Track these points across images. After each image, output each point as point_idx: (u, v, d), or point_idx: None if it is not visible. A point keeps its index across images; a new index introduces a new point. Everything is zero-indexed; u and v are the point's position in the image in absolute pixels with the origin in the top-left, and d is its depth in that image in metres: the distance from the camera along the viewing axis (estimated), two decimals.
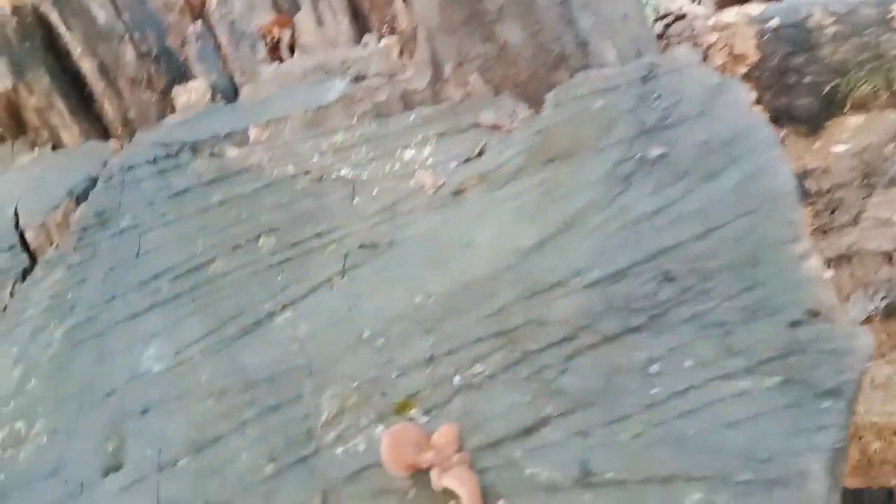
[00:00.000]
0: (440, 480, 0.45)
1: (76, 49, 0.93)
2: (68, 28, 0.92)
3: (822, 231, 1.02)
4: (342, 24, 0.92)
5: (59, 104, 0.95)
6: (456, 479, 0.44)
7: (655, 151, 0.57)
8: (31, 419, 0.60)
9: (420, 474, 0.47)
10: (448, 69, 0.71)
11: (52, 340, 0.65)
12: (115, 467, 0.56)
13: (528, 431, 0.48)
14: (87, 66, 0.95)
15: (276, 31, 0.98)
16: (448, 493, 0.46)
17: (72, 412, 0.59)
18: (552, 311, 0.51)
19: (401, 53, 0.77)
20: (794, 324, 0.46)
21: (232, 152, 0.73)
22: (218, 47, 0.99)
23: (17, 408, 0.61)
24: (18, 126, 0.96)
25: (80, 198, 0.77)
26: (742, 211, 0.52)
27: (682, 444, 0.44)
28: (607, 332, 0.49)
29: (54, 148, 0.98)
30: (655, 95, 0.62)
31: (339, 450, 0.50)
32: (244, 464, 0.52)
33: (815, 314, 0.47)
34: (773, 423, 0.43)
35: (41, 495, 0.56)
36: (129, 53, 0.93)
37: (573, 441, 0.46)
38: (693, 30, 1.14)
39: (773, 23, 1.11)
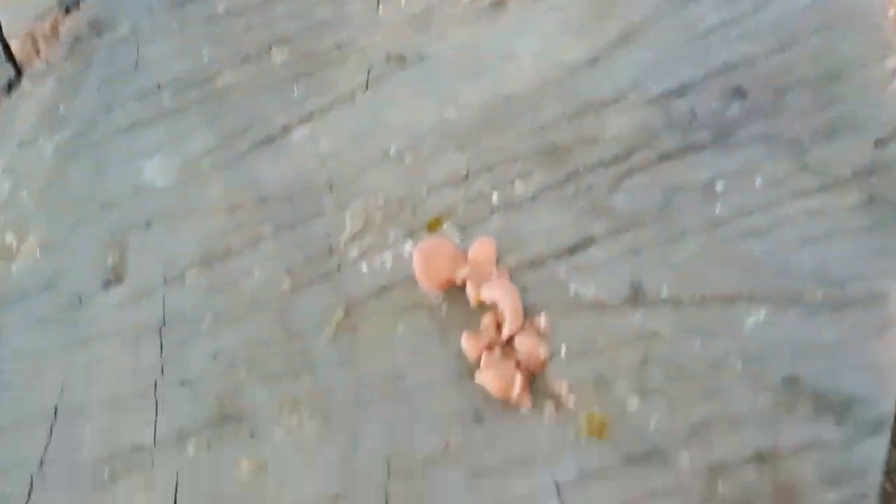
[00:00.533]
0: (478, 293, 0.41)
1: None
2: None
3: None
4: None
5: None
6: (496, 290, 0.40)
7: None
8: (23, 232, 0.55)
9: (453, 290, 0.43)
10: None
11: (43, 153, 0.60)
12: (116, 280, 0.51)
13: (574, 250, 0.43)
14: None
15: None
16: (484, 308, 0.42)
17: (67, 225, 0.55)
18: (604, 128, 0.46)
19: None
20: (879, 142, 0.42)
21: None
22: None
23: (6, 220, 0.56)
24: None
25: (71, 6, 0.69)
26: (823, 25, 0.46)
27: (746, 263, 0.40)
28: (667, 151, 0.44)
29: None
30: None
31: (364, 266, 0.46)
32: (258, 279, 0.48)
33: None
34: (849, 244, 0.39)
35: (36, 308, 0.52)
36: None
37: (623, 260, 0.42)
38: None
39: None
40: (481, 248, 0.43)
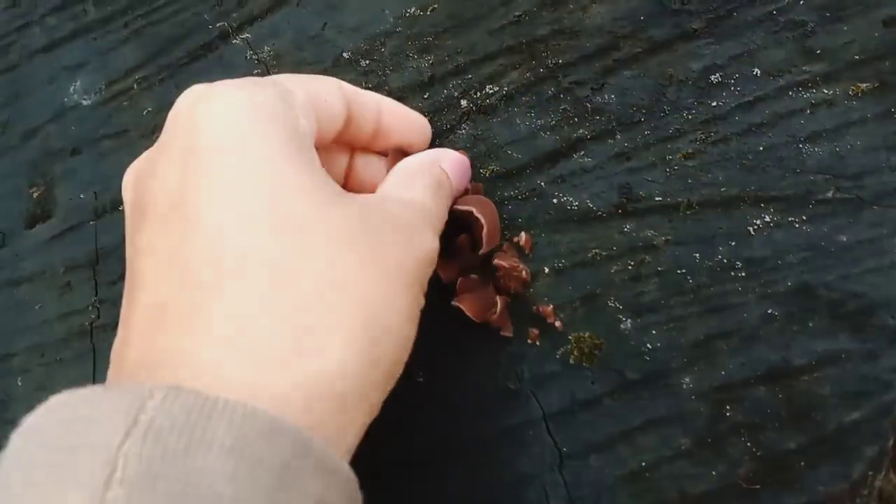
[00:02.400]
0: (452, 209, 0.36)
1: None
2: None
3: None
4: None
5: None
6: (469, 206, 0.36)
7: None
8: None
9: None
10: None
11: None
12: (42, 216, 0.46)
13: (556, 156, 0.39)
14: None
15: None
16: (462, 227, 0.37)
17: None
18: (585, 18, 0.41)
19: None
20: (890, 21, 0.37)
21: None
22: None
23: None
24: None
25: None
26: None
27: (748, 162, 0.36)
28: (656, 40, 0.39)
29: None
30: None
31: None
32: None
33: None
34: (862, 134, 0.35)
35: None
36: None
37: (611, 164, 0.38)
38: None
39: None
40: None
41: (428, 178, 0.33)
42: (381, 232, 0.27)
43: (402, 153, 0.37)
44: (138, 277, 0.27)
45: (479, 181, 0.39)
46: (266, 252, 0.25)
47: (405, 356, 0.27)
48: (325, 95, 0.32)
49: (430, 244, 0.30)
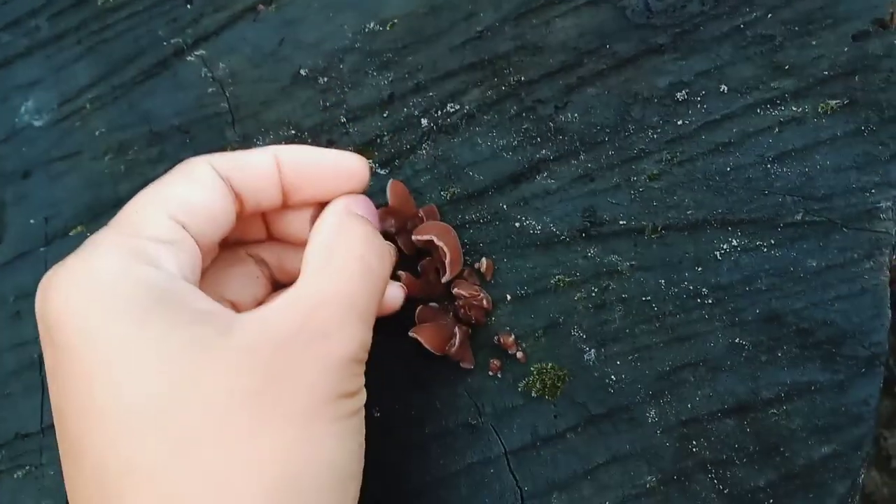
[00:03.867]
0: (412, 240, 0.35)
1: None
2: None
3: None
4: None
5: None
6: (430, 232, 0.34)
7: None
8: None
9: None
10: None
11: None
12: None
13: (518, 178, 0.37)
14: None
15: None
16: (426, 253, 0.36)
17: None
18: (550, 34, 0.39)
19: None
20: (860, 36, 0.36)
21: None
22: None
23: None
24: None
25: None
26: None
27: (714, 183, 0.35)
28: (621, 56, 0.38)
29: None
30: None
31: None
32: None
33: (885, 25, 0.36)
34: (832, 155, 0.34)
35: None
36: None
37: (575, 187, 0.36)
38: None
39: None
40: (394, 192, 0.36)
41: (345, 252, 0.27)
42: (278, 369, 0.24)
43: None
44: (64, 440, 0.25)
45: (440, 203, 0.37)
46: (148, 466, 0.22)
47: (352, 485, 0.25)
48: (192, 199, 0.27)
49: (355, 341, 0.25)
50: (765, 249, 0.33)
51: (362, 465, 0.25)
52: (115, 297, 0.24)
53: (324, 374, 0.24)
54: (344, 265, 0.26)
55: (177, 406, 0.22)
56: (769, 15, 0.37)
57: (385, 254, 0.28)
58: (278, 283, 0.33)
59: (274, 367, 0.23)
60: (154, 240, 0.25)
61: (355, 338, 0.25)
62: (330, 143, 0.41)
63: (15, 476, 0.38)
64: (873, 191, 0.33)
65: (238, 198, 0.29)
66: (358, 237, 0.27)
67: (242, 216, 0.29)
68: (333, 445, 0.24)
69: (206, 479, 0.22)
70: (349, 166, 0.30)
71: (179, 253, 0.26)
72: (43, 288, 0.25)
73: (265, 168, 0.29)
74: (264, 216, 0.32)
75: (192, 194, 0.27)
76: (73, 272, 0.25)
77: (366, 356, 0.26)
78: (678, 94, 0.37)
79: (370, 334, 0.26)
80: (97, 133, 0.45)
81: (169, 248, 0.26)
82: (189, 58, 0.45)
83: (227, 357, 0.23)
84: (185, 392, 0.23)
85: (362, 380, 0.26)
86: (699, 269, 0.33)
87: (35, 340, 0.41)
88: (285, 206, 0.30)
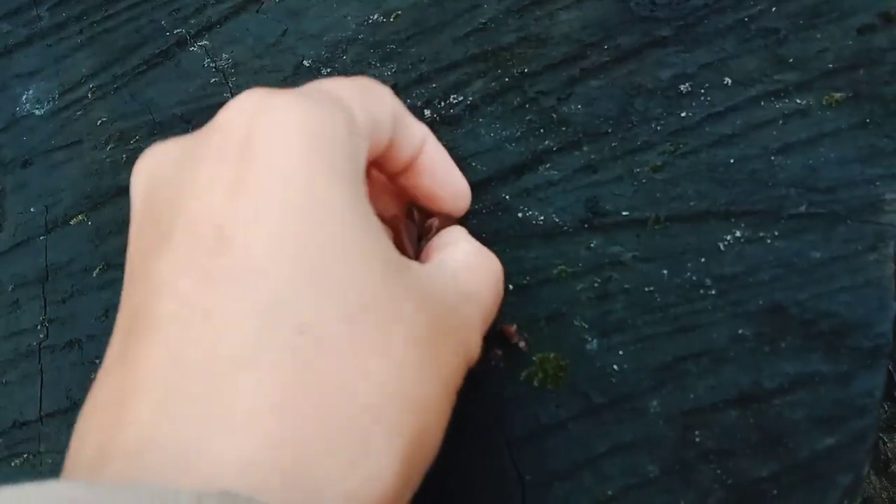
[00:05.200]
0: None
1: None
2: None
3: None
4: None
5: None
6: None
7: None
8: None
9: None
10: None
11: None
12: None
13: (521, 169, 0.37)
14: None
15: None
16: None
17: None
18: (553, 25, 0.39)
19: None
20: (864, 29, 0.36)
21: None
22: None
23: None
24: None
25: None
26: None
27: (717, 175, 0.34)
28: (624, 48, 0.38)
29: None
30: None
31: None
32: None
33: (890, 19, 0.36)
34: (836, 147, 0.34)
35: None
36: None
37: (578, 177, 0.36)
38: None
39: None
40: None
41: (497, 274, 0.30)
42: (443, 327, 0.24)
43: (417, 212, 0.33)
44: (151, 322, 0.21)
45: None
46: (324, 340, 0.20)
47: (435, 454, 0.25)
48: (378, 112, 0.27)
49: (477, 349, 0.26)
50: (768, 241, 0.33)
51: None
52: (343, 171, 0.23)
53: (462, 360, 0.25)
54: (494, 281, 0.30)
55: (380, 305, 0.22)
56: (773, 8, 0.37)
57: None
58: None
59: (440, 328, 0.24)
60: (361, 138, 0.25)
61: (479, 346, 0.28)
62: None
63: (13, 464, 0.37)
64: (878, 183, 0.33)
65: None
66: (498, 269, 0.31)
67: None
68: (445, 424, 0.25)
69: (382, 382, 0.21)
70: (463, 188, 0.34)
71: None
72: (258, 105, 0.23)
73: (416, 138, 0.30)
74: None
75: (380, 112, 0.27)
76: (302, 118, 0.23)
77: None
78: (682, 87, 0.37)
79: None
80: (98, 122, 0.45)
81: (364, 152, 0.25)
82: (192, 48, 0.45)
83: (410, 287, 0.23)
84: (386, 301, 0.22)
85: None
86: (702, 259, 0.33)
87: (33, 329, 0.41)
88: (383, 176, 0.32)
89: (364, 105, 0.26)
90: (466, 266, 0.28)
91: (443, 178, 0.32)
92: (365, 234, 0.23)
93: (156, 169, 0.24)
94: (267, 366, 0.20)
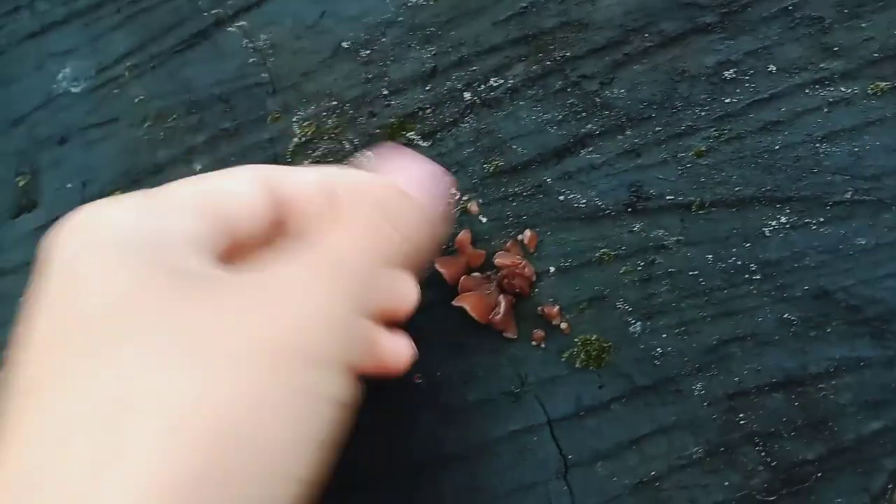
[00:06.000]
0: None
1: None
2: None
3: None
4: None
5: None
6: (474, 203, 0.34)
7: None
8: None
9: None
10: None
11: None
12: (28, 206, 0.44)
13: (562, 152, 0.37)
14: None
15: None
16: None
17: None
18: (595, 10, 0.39)
19: None
20: None
21: None
22: None
23: None
24: None
25: None
26: None
27: (762, 161, 0.34)
28: (668, 34, 0.38)
29: None
30: None
31: None
32: None
33: None
34: (881, 135, 0.34)
35: None
36: None
37: (621, 161, 0.36)
38: None
39: None
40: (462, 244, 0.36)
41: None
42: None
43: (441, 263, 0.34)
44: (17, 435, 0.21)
45: (483, 176, 0.37)
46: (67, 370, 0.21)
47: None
48: (230, 198, 0.26)
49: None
50: (814, 227, 0.33)
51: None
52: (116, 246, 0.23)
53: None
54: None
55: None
56: None
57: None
58: None
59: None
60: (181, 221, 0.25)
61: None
62: (372, 116, 0.41)
63: None
64: None
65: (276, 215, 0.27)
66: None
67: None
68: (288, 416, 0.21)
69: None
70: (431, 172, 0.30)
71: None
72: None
73: (312, 191, 0.27)
74: None
75: (231, 195, 0.26)
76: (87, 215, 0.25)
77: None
78: (726, 73, 0.37)
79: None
80: (136, 101, 0.45)
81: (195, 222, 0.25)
82: (230, 28, 0.45)
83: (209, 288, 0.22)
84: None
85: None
86: (747, 244, 0.33)
87: None
88: None
89: (193, 216, 0.25)
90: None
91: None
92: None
93: (98, 239, 0.25)
94: None
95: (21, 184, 0.45)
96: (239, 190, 0.26)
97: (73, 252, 0.24)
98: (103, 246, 0.23)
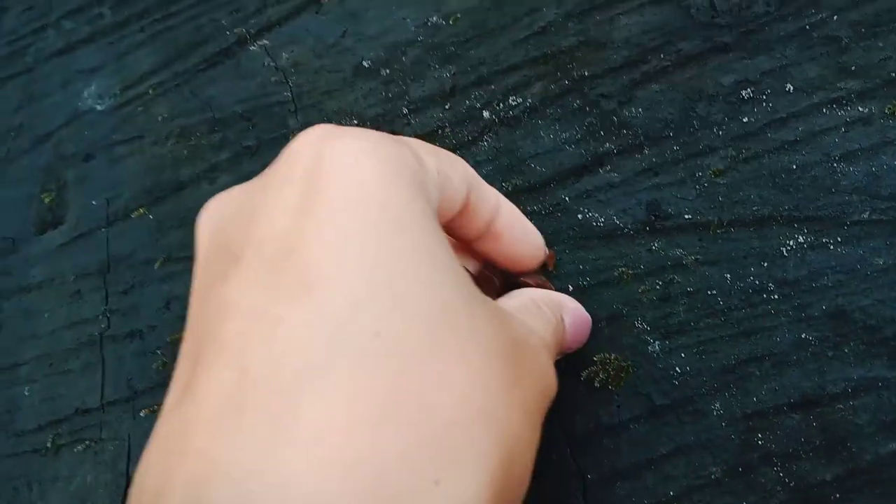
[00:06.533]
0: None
1: None
2: None
3: None
4: None
5: None
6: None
7: None
8: None
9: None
10: None
11: None
12: (53, 222, 0.45)
13: (581, 171, 0.38)
14: None
15: None
16: None
17: None
18: (613, 30, 0.40)
19: None
20: None
21: None
22: None
23: None
24: None
25: None
26: None
27: (780, 180, 0.35)
28: (686, 53, 0.38)
29: None
30: None
31: None
32: None
33: None
34: None
35: None
36: None
37: (639, 180, 0.36)
38: None
39: None
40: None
41: (551, 316, 0.29)
42: (519, 352, 0.23)
43: (493, 269, 0.34)
44: (216, 344, 0.19)
45: (502, 195, 0.38)
46: (403, 344, 0.19)
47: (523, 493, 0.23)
48: (450, 171, 0.26)
49: (554, 384, 0.26)
50: (831, 247, 0.33)
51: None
52: (412, 197, 0.22)
53: (540, 390, 0.24)
54: (547, 319, 0.29)
55: (461, 322, 0.21)
56: (835, 17, 0.37)
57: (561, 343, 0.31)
58: None
59: (516, 354, 0.23)
60: (430, 178, 0.25)
61: (555, 380, 0.27)
62: (392, 134, 0.41)
63: (75, 450, 0.38)
64: None
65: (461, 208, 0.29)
66: (559, 315, 0.30)
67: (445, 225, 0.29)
68: (532, 459, 0.23)
69: (463, 402, 0.20)
70: (539, 243, 0.33)
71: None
72: (321, 136, 0.23)
73: (490, 202, 0.30)
74: None
75: (451, 170, 0.27)
76: (369, 148, 0.22)
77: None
78: (743, 93, 0.37)
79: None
80: (159, 118, 0.46)
81: (435, 193, 0.25)
82: (252, 47, 0.46)
83: (487, 312, 0.22)
84: (466, 319, 0.21)
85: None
86: (765, 264, 0.33)
87: (95, 319, 0.42)
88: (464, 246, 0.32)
89: (435, 159, 0.25)
90: (528, 305, 0.29)
91: (520, 240, 0.32)
92: (439, 249, 0.22)
93: (222, 209, 0.24)
94: (338, 375, 0.18)
95: (47, 200, 0.46)
96: (456, 177, 0.27)
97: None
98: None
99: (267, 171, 0.24)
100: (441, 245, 0.22)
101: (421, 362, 0.19)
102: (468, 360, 0.20)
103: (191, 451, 0.18)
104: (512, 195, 0.38)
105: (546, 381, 0.25)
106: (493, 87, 0.41)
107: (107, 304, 0.42)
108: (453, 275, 0.22)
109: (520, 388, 0.22)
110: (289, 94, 0.44)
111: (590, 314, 0.34)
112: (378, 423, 0.18)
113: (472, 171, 0.29)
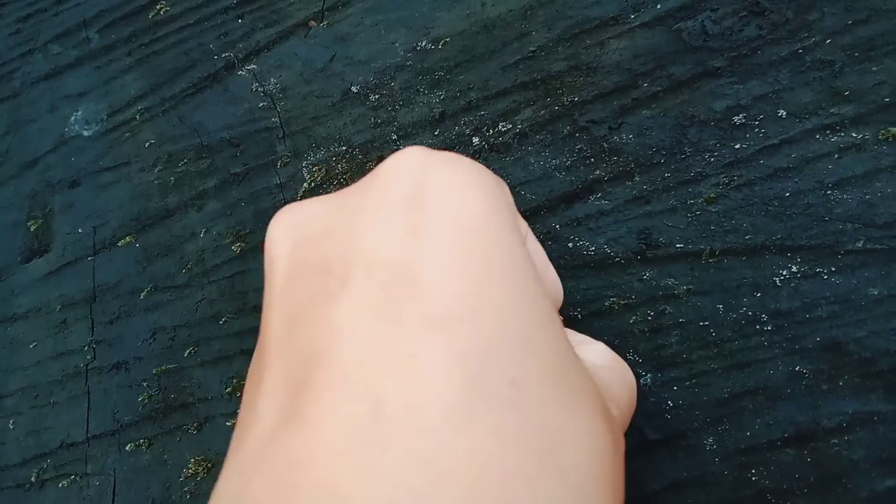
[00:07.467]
0: None
1: None
2: None
3: None
4: None
5: None
6: None
7: None
8: None
9: None
10: None
11: None
12: (39, 250, 0.44)
13: (571, 198, 0.37)
14: None
15: None
16: None
17: None
18: (604, 54, 0.39)
19: None
20: None
21: None
22: None
23: None
24: None
25: None
26: None
27: (773, 208, 0.34)
28: (677, 78, 0.38)
29: None
30: None
31: None
32: (203, 243, 0.41)
33: None
34: (893, 182, 0.33)
35: None
36: None
37: (630, 208, 0.36)
38: None
39: None
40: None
41: (633, 380, 0.28)
42: (610, 417, 0.22)
43: None
44: (332, 370, 0.18)
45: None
46: (535, 389, 0.19)
47: None
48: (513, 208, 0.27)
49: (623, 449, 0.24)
50: (825, 276, 0.33)
51: None
52: (511, 229, 0.23)
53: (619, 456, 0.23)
54: (624, 386, 0.28)
55: (567, 368, 0.20)
56: (828, 40, 0.37)
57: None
58: None
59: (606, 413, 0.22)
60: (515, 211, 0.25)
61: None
62: (380, 159, 0.41)
63: (60, 485, 0.38)
64: None
65: None
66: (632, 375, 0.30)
67: None
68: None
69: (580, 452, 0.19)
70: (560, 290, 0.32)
71: None
72: (424, 159, 0.23)
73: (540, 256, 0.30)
74: None
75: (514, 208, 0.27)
76: (473, 176, 0.23)
77: None
78: (735, 118, 0.36)
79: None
80: (146, 144, 0.45)
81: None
82: (240, 72, 0.45)
83: (578, 361, 0.22)
84: (570, 362, 0.21)
85: None
86: (758, 294, 0.33)
87: (81, 350, 0.41)
88: None
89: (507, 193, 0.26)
90: (608, 367, 0.27)
91: (542, 275, 0.31)
92: (544, 294, 0.22)
93: (303, 222, 0.24)
94: (484, 422, 0.17)
95: (33, 228, 0.45)
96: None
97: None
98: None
99: (354, 190, 0.24)
100: (544, 289, 0.22)
101: (549, 416, 0.19)
102: (582, 417, 0.20)
103: (321, 484, 0.16)
104: None
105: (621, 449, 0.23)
106: (482, 112, 0.40)
107: (92, 335, 0.41)
108: (559, 324, 0.22)
109: (616, 446, 0.21)
110: (277, 119, 0.43)
111: None
112: (534, 476, 0.17)
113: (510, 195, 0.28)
